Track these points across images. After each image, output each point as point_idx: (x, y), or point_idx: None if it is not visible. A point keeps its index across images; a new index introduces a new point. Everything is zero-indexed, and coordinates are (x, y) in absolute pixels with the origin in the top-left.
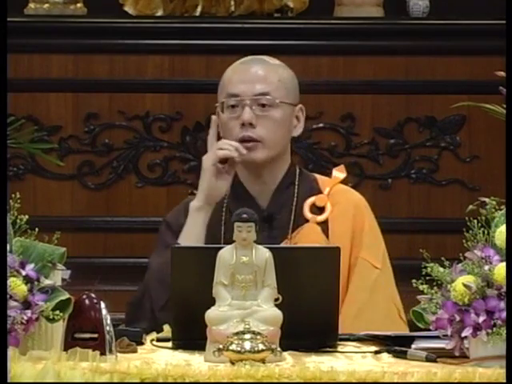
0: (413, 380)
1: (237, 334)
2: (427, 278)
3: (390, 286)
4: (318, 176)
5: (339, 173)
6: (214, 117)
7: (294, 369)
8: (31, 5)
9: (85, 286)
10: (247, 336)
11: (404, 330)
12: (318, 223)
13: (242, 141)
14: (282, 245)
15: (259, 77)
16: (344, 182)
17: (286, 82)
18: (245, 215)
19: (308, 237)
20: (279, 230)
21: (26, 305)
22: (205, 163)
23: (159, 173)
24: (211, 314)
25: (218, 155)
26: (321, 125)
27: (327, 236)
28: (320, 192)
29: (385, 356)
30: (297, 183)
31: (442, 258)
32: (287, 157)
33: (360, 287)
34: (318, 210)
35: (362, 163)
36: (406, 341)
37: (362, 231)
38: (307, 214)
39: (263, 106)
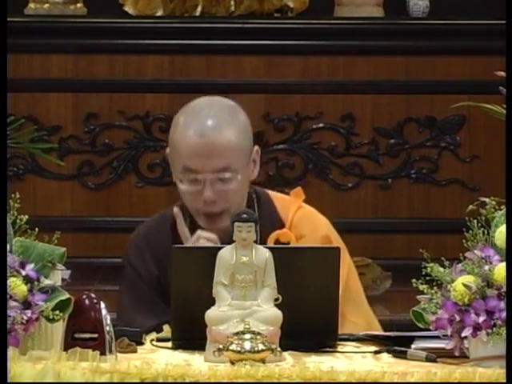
0: (413, 380)
1: (237, 333)
2: (427, 278)
3: (349, 309)
4: (273, 197)
5: (297, 197)
6: (175, 210)
7: (293, 369)
8: (31, 5)
9: (85, 286)
10: (247, 336)
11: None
12: None
13: (206, 214)
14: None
15: (216, 150)
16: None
17: (240, 139)
18: (245, 215)
19: None
20: None
21: (26, 305)
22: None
23: (159, 173)
24: (211, 314)
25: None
26: (321, 125)
27: None
28: (281, 222)
29: (385, 356)
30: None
31: (442, 258)
32: (245, 191)
33: None
34: (282, 245)
35: (362, 163)
36: (406, 341)
37: None
38: None
39: (224, 179)
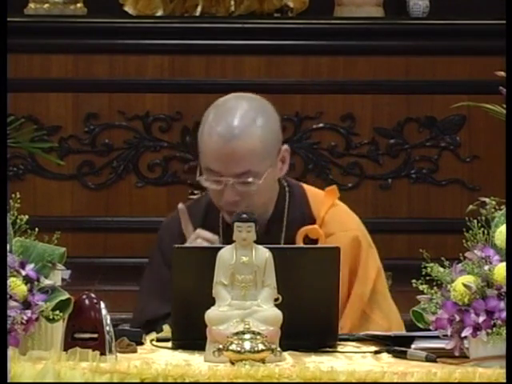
0: (413, 380)
1: (237, 333)
2: (427, 278)
3: (376, 311)
4: (307, 190)
5: (331, 195)
6: (180, 206)
7: (294, 369)
8: (31, 5)
9: (85, 286)
10: (247, 336)
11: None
12: None
13: (230, 213)
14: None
15: (238, 156)
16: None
17: (265, 142)
18: (244, 215)
19: None
20: None
21: (26, 305)
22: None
23: (159, 173)
24: (211, 314)
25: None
26: (321, 125)
27: None
28: (312, 218)
29: (385, 356)
30: (286, 212)
31: (442, 258)
32: (275, 186)
33: (348, 323)
34: (310, 241)
35: (362, 163)
36: (406, 341)
37: (359, 266)
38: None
39: (247, 183)
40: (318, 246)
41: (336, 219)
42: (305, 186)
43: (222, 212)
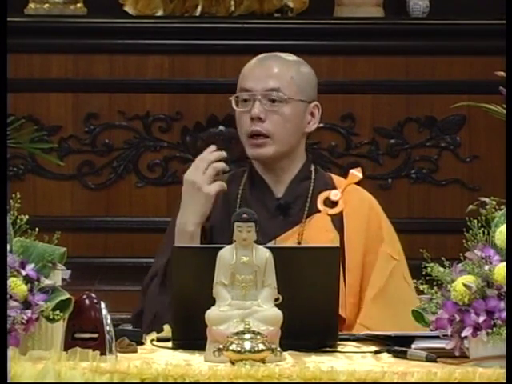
0: (413, 380)
1: (237, 334)
2: (427, 278)
3: (404, 272)
4: (333, 176)
5: (356, 173)
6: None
7: (293, 369)
8: (31, 5)
9: (85, 286)
10: (247, 336)
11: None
12: (329, 215)
13: (252, 135)
14: (290, 232)
15: (271, 73)
16: (358, 183)
17: (300, 79)
18: (245, 215)
19: (317, 225)
20: (293, 217)
21: (26, 305)
22: (211, 190)
23: (159, 173)
24: (211, 314)
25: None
26: (321, 125)
27: (341, 230)
28: (334, 187)
29: (385, 356)
30: (313, 178)
31: (442, 258)
32: (301, 153)
33: (379, 276)
34: (330, 203)
35: (362, 163)
36: (406, 341)
37: (381, 229)
38: (320, 206)
39: (273, 101)
40: (318, 246)
41: (354, 192)
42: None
43: (245, 145)
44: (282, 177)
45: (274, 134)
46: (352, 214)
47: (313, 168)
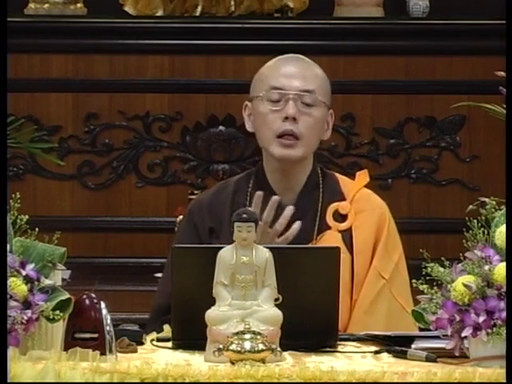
0: (413, 380)
1: (237, 334)
2: (427, 278)
3: (396, 292)
4: (339, 176)
5: (363, 178)
6: (258, 193)
7: (294, 369)
8: (31, 5)
9: (85, 285)
10: (247, 336)
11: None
12: (340, 231)
13: (283, 135)
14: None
15: (303, 73)
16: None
17: (325, 84)
18: (245, 215)
19: (327, 243)
20: (304, 233)
21: (26, 305)
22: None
23: (159, 173)
24: (211, 314)
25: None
26: None
27: (350, 244)
28: (343, 196)
29: (385, 356)
30: (321, 186)
31: (442, 258)
32: (311, 160)
33: (366, 294)
34: (340, 216)
35: (361, 163)
36: (406, 341)
37: (379, 241)
38: (330, 221)
39: (306, 103)
40: (318, 246)
41: (366, 198)
42: (335, 173)
43: (271, 146)
44: (291, 184)
45: (304, 137)
46: (362, 226)
47: (319, 171)
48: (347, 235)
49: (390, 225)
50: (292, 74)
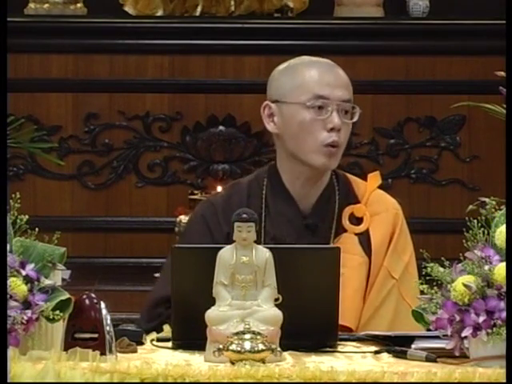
0: (413, 380)
1: (237, 333)
2: (427, 277)
3: (404, 291)
4: (349, 177)
5: (375, 179)
6: None
7: (293, 369)
8: (31, 5)
9: (85, 285)
10: (247, 336)
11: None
12: (356, 234)
13: (330, 145)
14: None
15: (344, 82)
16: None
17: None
18: (245, 215)
19: (345, 247)
20: (321, 238)
21: (26, 305)
22: None
23: (159, 173)
24: (211, 314)
25: None
26: None
27: (368, 247)
28: (357, 199)
29: (385, 356)
30: (337, 189)
31: (442, 258)
32: None
33: (377, 294)
34: (355, 219)
35: (362, 163)
36: (406, 341)
37: (392, 241)
38: (346, 224)
39: (346, 112)
40: (318, 246)
41: (379, 199)
42: (347, 173)
43: (311, 155)
44: (313, 190)
45: (342, 146)
46: (378, 227)
47: (333, 174)
48: (364, 238)
49: (403, 225)
50: (335, 84)
